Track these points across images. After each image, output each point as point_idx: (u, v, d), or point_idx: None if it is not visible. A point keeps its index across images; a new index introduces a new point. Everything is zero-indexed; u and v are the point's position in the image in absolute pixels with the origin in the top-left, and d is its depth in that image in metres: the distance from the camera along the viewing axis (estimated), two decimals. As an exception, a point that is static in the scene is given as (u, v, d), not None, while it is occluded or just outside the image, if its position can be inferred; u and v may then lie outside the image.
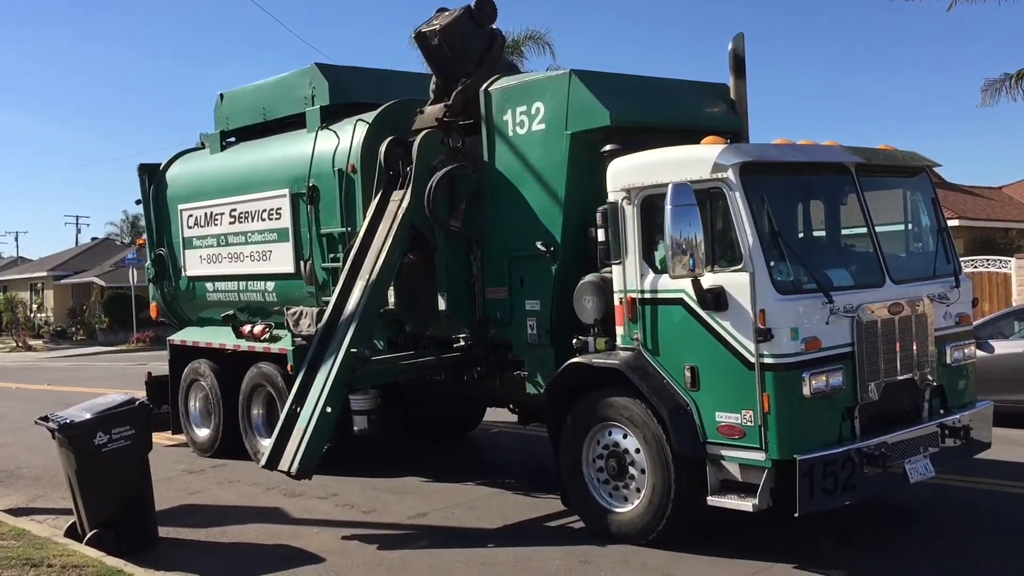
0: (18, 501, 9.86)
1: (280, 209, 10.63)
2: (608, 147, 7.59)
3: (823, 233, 7.78)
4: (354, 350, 8.48)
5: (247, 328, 10.93)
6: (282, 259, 10.68)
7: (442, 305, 8.99)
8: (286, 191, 10.51)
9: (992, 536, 7.36)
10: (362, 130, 9.72)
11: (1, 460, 12.27)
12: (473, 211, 8.89)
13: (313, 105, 10.53)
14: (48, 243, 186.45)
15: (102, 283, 45.77)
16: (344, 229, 9.83)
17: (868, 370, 6.77)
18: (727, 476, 6.76)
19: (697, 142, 7.05)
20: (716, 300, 6.61)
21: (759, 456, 6.49)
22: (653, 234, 7.09)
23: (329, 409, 8.22)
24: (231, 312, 11.17)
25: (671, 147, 7.21)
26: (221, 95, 12.05)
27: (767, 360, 6.40)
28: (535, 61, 28.63)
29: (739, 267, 6.57)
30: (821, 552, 6.89)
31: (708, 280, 6.63)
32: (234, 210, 11.30)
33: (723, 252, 6.75)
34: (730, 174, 6.64)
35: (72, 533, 7.88)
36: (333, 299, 9.05)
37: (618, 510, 7.36)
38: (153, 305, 13.15)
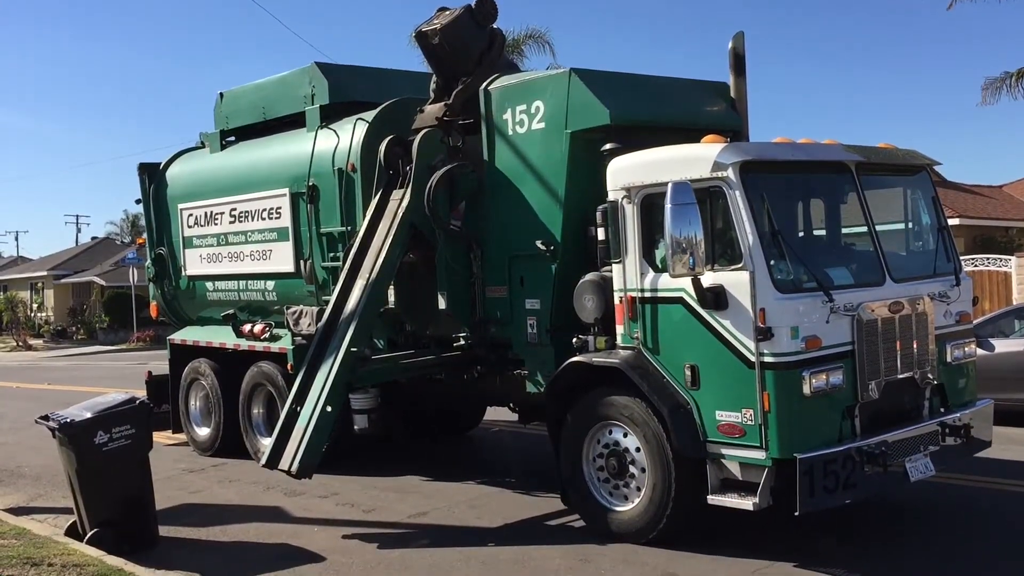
0: (19, 500, 9.86)
1: (280, 208, 10.63)
2: (608, 146, 7.59)
3: (823, 232, 7.78)
4: (354, 349, 8.48)
5: (247, 327, 10.93)
6: (282, 258, 10.68)
7: (442, 304, 8.99)
8: (286, 190, 10.51)
9: (992, 535, 7.36)
10: (362, 129, 9.72)
11: (1, 459, 12.27)
12: (473, 210, 8.90)
13: (313, 104, 10.53)
14: (48, 242, 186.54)
15: (102, 282, 45.78)
16: (344, 228, 9.83)
17: (868, 369, 6.77)
18: (727, 475, 6.76)
19: (697, 141, 7.05)
20: (716, 299, 6.61)
21: (759, 455, 6.48)
22: (653, 233, 7.08)
23: (329, 408, 8.22)
24: (231, 311, 11.16)
25: (671, 146, 7.20)
26: (221, 94, 12.06)
27: (767, 359, 6.40)
28: (535, 60, 28.67)
29: (739, 266, 6.57)
30: (821, 551, 6.88)
31: (708, 279, 6.63)
32: (234, 209, 11.30)
33: (723, 251, 6.75)
34: (730, 173, 6.63)
35: (72, 532, 7.88)
36: (333, 298, 9.05)
37: (618, 509, 7.36)
38: (153, 304, 13.15)
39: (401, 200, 8.99)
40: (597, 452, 7.48)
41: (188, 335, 12.27)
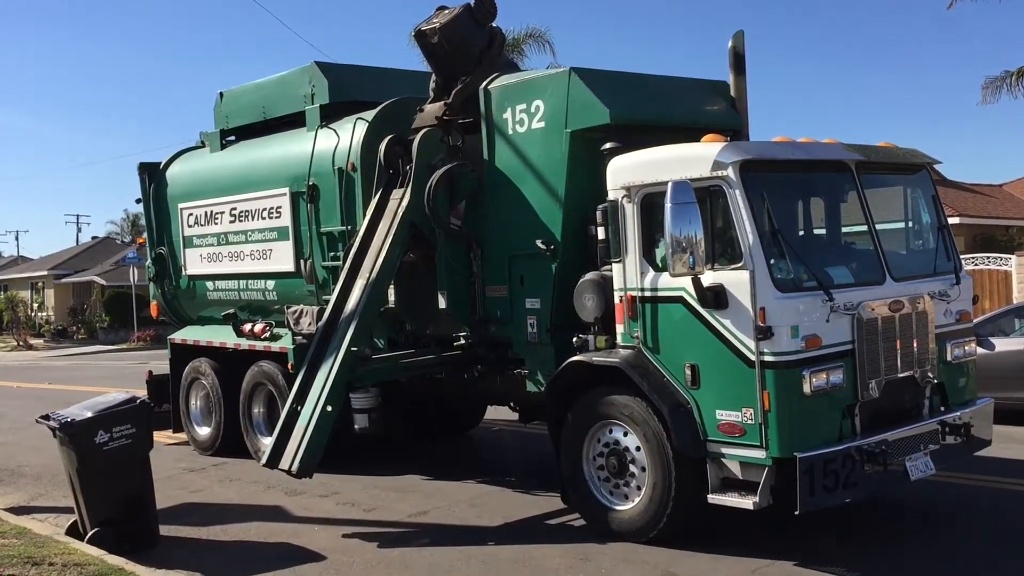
0: (19, 500, 9.87)
1: (280, 208, 10.63)
2: (608, 145, 7.59)
3: (823, 231, 7.78)
4: (354, 348, 8.48)
5: (247, 327, 10.93)
6: (282, 258, 10.68)
7: (442, 303, 8.99)
8: (286, 190, 10.51)
9: (993, 534, 7.36)
10: (362, 128, 9.72)
11: (2, 459, 12.28)
12: (473, 209, 8.89)
13: (313, 103, 10.53)
14: (49, 242, 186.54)
15: (103, 282, 45.79)
16: (344, 228, 9.83)
17: (868, 368, 6.77)
18: (727, 474, 6.76)
19: (697, 140, 7.05)
20: (716, 298, 6.61)
21: (759, 454, 6.48)
22: (653, 232, 7.08)
23: (330, 408, 8.22)
24: (231, 311, 11.17)
25: (671, 145, 7.20)
26: (221, 94, 12.06)
27: (767, 358, 6.40)
28: (535, 59, 28.66)
29: (739, 265, 6.57)
30: (821, 550, 6.89)
31: (708, 278, 6.63)
32: (234, 209, 11.31)
33: (723, 250, 6.75)
34: (730, 172, 6.63)
35: (73, 531, 7.89)
36: (333, 298, 9.05)
37: (618, 508, 7.36)
38: (154, 304, 13.16)
39: (401, 199, 8.99)
40: (597, 451, 7.48)
41: (188, 335, 12.28)
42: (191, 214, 12.01)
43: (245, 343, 10.96)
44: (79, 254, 54.35)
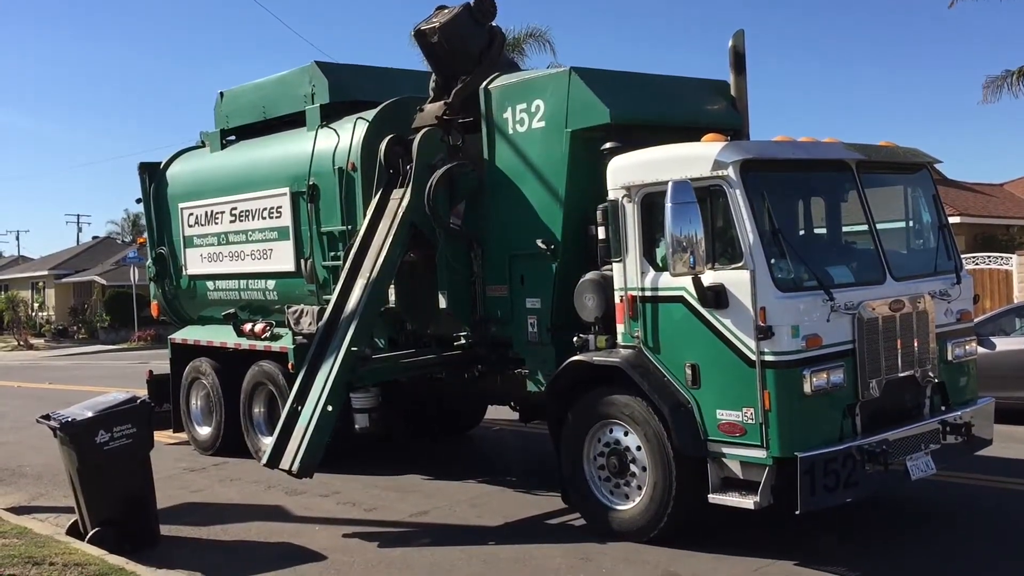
0: (20, 500, 9.87)
1: (280, 207, 10.63)
2: (608, 145, 7.59)
3: (824, 230, 7.77)
4: (355, 348, 8.48)
5: (248, 327, 10.93)
6: (283, 257, 10.68)
7: (443, 303, 8.99)
8: (286, 189, 10.51)
9: (993, 533, 7.36)
10: (362, 128, 9.71)
11: (3, 459, 12.28)
12: (473, 209, 8.89)
13: (313, 103, 10.53)
14: (49, 242, 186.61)
15: (103, 282, 45.79)
16: (344, 227, 9.83)
17: (869, 367, 6.77)
18: (728, 474, 6.76)
19: (697, 139, 7.05)
20: (717, 298, 6.60)
21: (760, 454, 6.48)
22: (654, 232, 7.08)
23: (330, 407, 8.22)
24: (232, 310, 11.17)
25: (671, 145, 7.20)
26: (221, 93, 12.06)
27: (768, 358, 6.39)
28: (536, 59, 28.65)
29: (740, 265, 6.57)
30: (822, 550, 6.88)
31: (709, 278, 6.63)
32: (234, 208, 11.30)
33: (724, 250, 6.75)
34: (730, 171, 6.63)
35: (74, 531, 7.89)
36: (334, 297, 9.05)
37: (619, 507, 7.36)
38: (154, 304, 13.16)
39: (401, 199, 8.99)
40: (598, 451, 7.47)
41: (189, 334, 12.28)
42: (191, 214, 12.01)
43: (245, 343, 10.96)
44: (80, 254, 54.36)
